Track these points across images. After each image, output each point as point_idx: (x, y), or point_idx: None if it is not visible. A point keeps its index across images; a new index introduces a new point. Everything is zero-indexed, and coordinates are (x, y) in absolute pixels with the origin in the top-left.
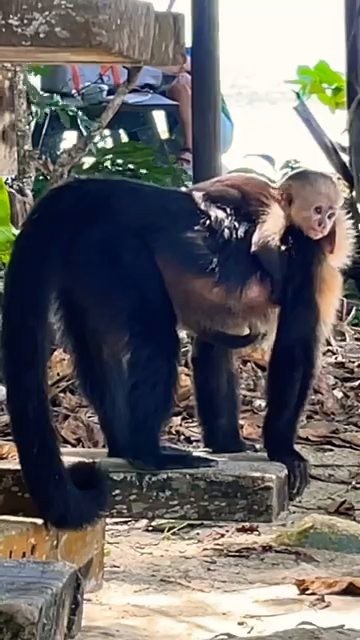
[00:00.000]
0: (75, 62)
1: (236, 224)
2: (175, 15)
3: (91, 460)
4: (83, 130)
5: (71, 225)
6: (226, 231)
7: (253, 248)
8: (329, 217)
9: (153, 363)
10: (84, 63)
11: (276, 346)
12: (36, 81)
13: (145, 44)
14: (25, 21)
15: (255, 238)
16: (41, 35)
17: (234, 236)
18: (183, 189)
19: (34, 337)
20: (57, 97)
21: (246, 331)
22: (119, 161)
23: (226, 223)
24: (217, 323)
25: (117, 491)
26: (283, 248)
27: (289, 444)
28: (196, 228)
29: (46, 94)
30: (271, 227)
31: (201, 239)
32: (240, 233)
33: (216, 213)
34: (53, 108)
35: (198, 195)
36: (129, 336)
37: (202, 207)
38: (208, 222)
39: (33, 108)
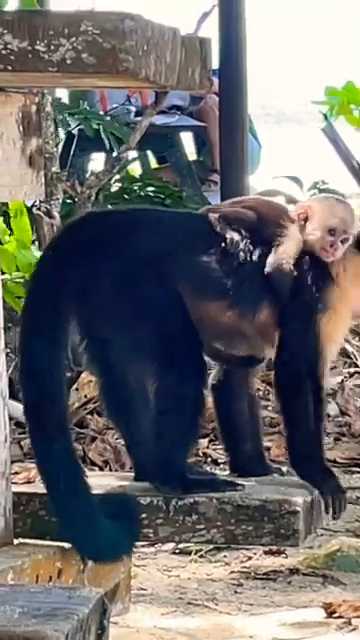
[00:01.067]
0: (101, 87)
1: (251, 247)
2: (201, 39)
3: (121, 489)
4: (106, 142)
5: (88, 257)
6: (241, 254)
7: (267, 269)
8: (342, 242)
9: (179, 390)
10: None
11: (276, 364)
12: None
13: (172, 69)
14: (52, 47)
15: (270, 259)
16: (68, 61)
17: (248, 258)
18: (200, 210)
19: (50, 365)
20: (84, 105)
21: (249, 351)
22: (148, 188)
23: (241, 245)
24: (232, 347)
25: (144, 515)
26: (296, 271)
27: (315, 462)
28: (211, 251)
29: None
30: (287, 249)
31: (215, 262)
32: (255, 255)
33: (231, 235)
34: (79, 120)
35: (214, 216)
36: (155, 365)
37: (218, 229)
38: (223, 245)
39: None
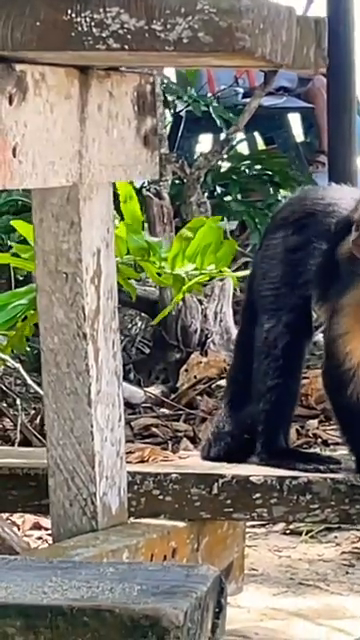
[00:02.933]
0: (217, 67)
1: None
2: (316, 19)
3: None
4: (218, 121)
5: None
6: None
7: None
8: None
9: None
10: (225, 68)
11: None
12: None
13: (287, 48)
14: (168, 26)
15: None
16: (184, 40)
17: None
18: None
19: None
20: (192, 91)
21: None
22: (257, 166)
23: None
24: None
25: (258, 495)
26: None
27: None
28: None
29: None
30: None
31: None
32: None
33: None
34: (188, 103)
35: None
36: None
37: None
38: None
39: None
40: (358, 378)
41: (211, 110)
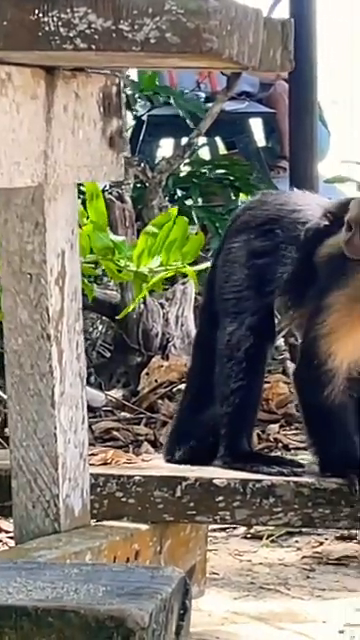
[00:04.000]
0: (184, 68)
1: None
2: (283, 21)
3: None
4: (187, 119)
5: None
6: None
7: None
8: None
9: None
10: (191, 69)
11: None
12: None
13: (254, 50)
14: (136, 26)
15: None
16: (151, 41)
17: None
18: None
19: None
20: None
21: None
22: (218, 171)
23: None
24: None
25: (221, 497)
26: None
27: None
28: None
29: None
30: None
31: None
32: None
33: None
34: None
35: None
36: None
37: None
38: None
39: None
40: (338, 379)
41: (181, 112)
